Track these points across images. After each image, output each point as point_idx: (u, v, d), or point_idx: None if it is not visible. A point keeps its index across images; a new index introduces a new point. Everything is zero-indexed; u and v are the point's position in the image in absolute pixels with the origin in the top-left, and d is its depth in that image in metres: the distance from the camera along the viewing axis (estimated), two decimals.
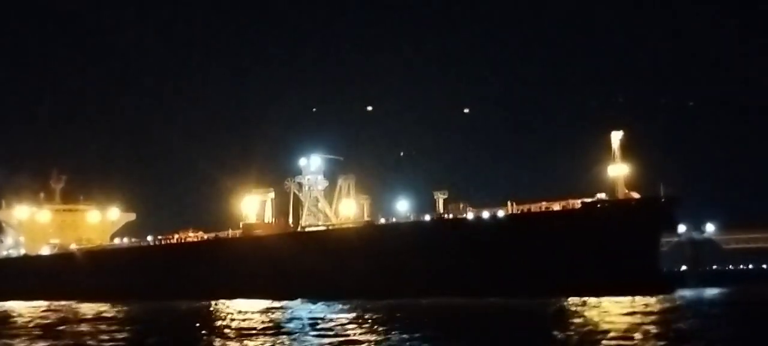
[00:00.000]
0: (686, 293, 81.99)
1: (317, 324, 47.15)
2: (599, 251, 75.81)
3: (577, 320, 45.22)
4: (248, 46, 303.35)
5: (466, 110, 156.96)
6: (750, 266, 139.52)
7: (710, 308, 60.93)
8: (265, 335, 40.62)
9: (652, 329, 38.75)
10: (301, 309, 63.68)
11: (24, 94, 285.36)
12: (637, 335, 35.22)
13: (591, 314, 50.26)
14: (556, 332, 38.24)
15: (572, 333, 38.52)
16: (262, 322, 50.50)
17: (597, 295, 68.83)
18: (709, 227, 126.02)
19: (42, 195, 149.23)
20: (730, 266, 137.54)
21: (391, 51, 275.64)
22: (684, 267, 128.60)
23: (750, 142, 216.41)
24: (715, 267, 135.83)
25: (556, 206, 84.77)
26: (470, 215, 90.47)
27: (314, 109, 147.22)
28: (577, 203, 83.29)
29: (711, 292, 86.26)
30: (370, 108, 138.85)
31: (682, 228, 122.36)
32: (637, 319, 45.54)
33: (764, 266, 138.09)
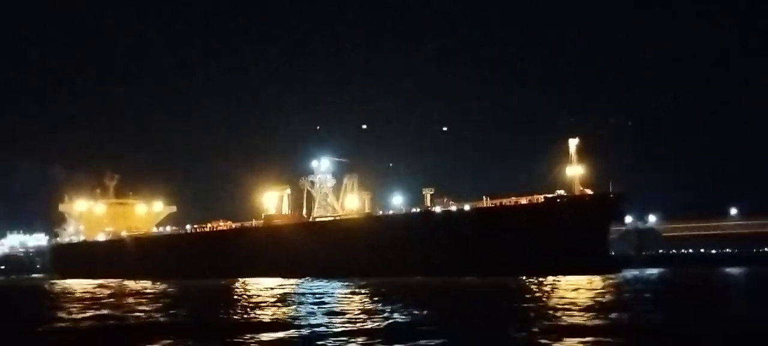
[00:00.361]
0: (631, 273, 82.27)
1: (317, 296, 47.76)
2: (558, 238, 76.29)
3: (528, 296, 45.73)
4: (266, 71, 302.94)
5: (445, 129, 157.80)
6: (690, 250, 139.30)
7: (646, 285, 61.01)
8: (273, 306, 41.35)
9: (588, 301, 39.33)
10: (308, 285, 64.24)
11: (79, 103, 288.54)
12: (575, 306, 35.97)
13: (545, 289, 50.76)
14: (506, 304, 39.12)
15: (520, 305, 39.16)
16: (274, 295, 51.12)
17: (555, 275, 69.42)
18: (652, 218, 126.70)
19: (98, 191, 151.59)
20: (673, 251, 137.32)
21: (393, 60, 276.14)
22: (631, 252, 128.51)
23: (686, 145, 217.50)
24: (660, 251, 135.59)
25: (524, 201, 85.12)
26: (453, 208, 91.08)
27: (318, 127, 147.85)
28: (541, 198, 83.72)
29: (651, 272, 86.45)
30: (364, 126, 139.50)
31: (629, 219, 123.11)
32: (580, 293, 46.22)
33: (702, 250, 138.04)
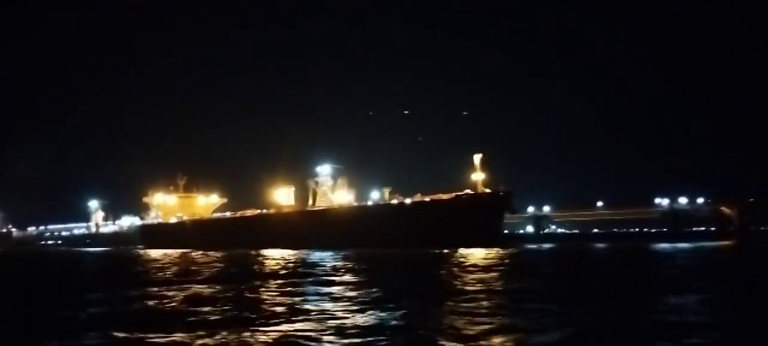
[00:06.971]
0: (531, 246, 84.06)
1: (314, 261, 49.14)
2: (466, 222, 79.50)
3: (447, 258, 47.59)
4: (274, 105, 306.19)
5: (406, 112, 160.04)
6: (575, 231, 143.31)
7: (540, 255, 59.67)
8: (282, 265, 43.51)
9: (487, 261, 41.23)
10: (307, 254, 65.47)
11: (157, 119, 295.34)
12: (477, 263, 38.95)
13: (457, 256, 51.96)
14: (433, 264, 41.60)
15: (440, 265, 40.95)
16: (284, 259, 53.29)
17: (464, 247, 70.38)
18: (546, 208, 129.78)
19: (171, 187, 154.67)
20: (559, 231, 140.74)
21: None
22: (531, 232, 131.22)
23: (570, 155, 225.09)
24: (559, 231, 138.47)
25: (445, 197, 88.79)
26: (404, 201, 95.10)
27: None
28: (453, 195, 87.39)
29: (546, 245, 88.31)
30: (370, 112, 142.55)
31: (530, 208, 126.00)
32: (485, 257, 48.44)
33: (577, 231, 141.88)
